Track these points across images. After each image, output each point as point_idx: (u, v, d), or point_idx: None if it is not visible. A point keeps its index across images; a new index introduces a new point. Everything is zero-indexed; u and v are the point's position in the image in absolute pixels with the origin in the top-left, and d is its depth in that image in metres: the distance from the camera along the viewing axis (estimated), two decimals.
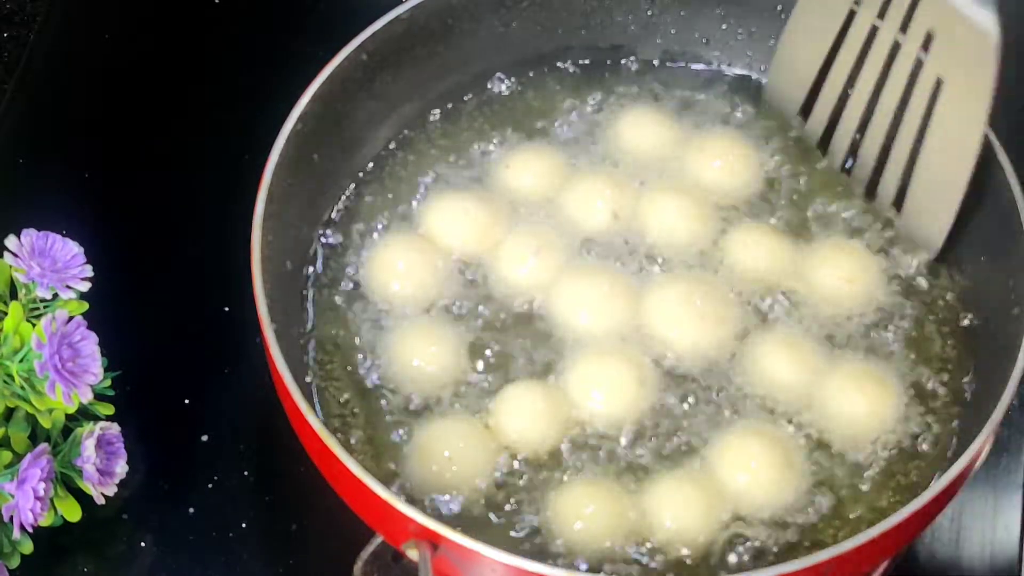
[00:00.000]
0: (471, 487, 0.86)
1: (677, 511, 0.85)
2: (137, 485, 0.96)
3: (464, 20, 1.00)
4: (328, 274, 0.95)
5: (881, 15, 0.93)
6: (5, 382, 0.89)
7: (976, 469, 0.83)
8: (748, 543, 0.84)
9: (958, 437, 0.88)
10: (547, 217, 0.96)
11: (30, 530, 0.89)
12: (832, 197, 0.98)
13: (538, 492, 0.86)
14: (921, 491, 0.80)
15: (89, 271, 0.94)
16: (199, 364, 1.03)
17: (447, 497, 0.85)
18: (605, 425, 0.88)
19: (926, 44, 0.90)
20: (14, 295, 0.93)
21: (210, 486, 0.97)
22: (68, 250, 0.94)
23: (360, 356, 0.91)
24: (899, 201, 0.95)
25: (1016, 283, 0.87)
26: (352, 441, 0.88)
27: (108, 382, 0.95)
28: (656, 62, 1.05)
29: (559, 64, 1.04)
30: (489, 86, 1.03)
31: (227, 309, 1.04)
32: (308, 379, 0.90)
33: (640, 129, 1.00)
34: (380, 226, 0.96)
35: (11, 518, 0.88)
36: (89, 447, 0.90)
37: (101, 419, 0.93)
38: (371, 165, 0.99)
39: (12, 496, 0.87)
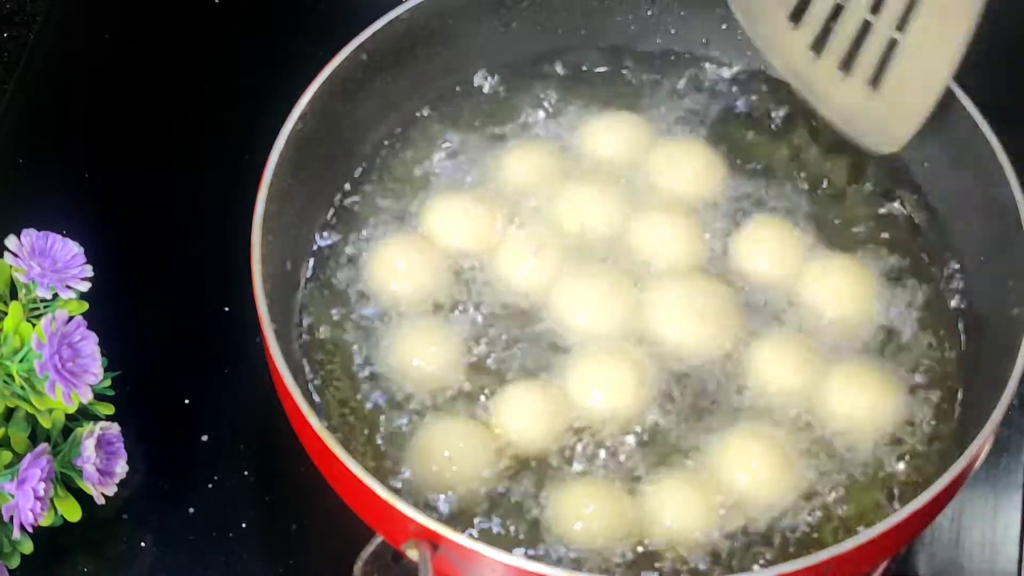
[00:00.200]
0: (471, 487, 0.86)
1: (677, 511, 0.85)
2: (137, 485, 0.96)
3: (464, 20, 1.00)
4: (328, 274, 0.95)
5: None
6: (5, 382, 0.89)
7: (976, 469, 0.83)
8: (747, 543, 0.84)
9: (958, 437, 0.88)
10: (547, 217, 0.96)
11: (30, 530, 0.89)
12: (833, 197, 0.98)
13: (538, 492, 0.86)
14: (921, 491, 0.80)
15: (89, 271, 0.94)
16: (199, 364, 1.03)
17: (447, 497, 0.85)
18: (605, 425, 0.88)
19: None
20: (14, 295, 0.93)
21: (210, 486, 0.97)
22: (68, 250, 0.94)
23: (360, 356, 0.91)
24: (876, 79, 0.93)
25: (1016, 283, 0.87)
26: (352, 441, 0.88)
27: (108, 382, 0.95)
28: (656, 62, 1.05)
29: (559, 64, 1.04)
30: (489, 86, 1.03)
31: (227, 309, 1.04)
32: (308, 379, 0.90)
33: (640, 129, 1.00)
34: (380, 226, 0.96)
35: (11, 518, 0.88)
36: (89, 447, 0.90)
37: (101, 419, 0.93)
38: (371, 165, 0.99)
39: (12, 496, 0.87)
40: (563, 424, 0.88)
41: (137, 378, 0.99)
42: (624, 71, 1.04)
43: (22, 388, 0.89)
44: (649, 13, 1.04)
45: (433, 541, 0.77)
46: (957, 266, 0.94)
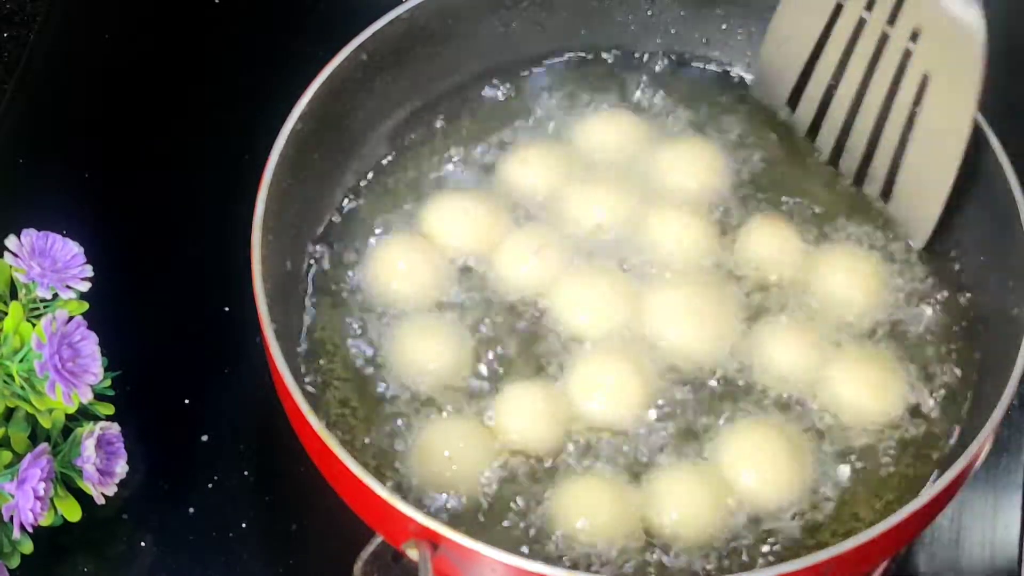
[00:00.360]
0: (471, 487, 0.86)
1: (677, 511, 0.84)
2: (137, 485, 0.96)
3: (464, 20, 1.00)
4: (328, 274, 0.95)
5: (869, 7, 0.93)
6: (5, 382, 0.89)
7: (976, 469, 0.83)
8: (748, 543, 0.84)
9: (958, 437, 0.88)
10: (548, 217, 0.96)
11: (30, 530, 0.89)
12: (834, 197, 0.98)
13: (538, 492, 0.86)
14: (921, 491, 0.80)
15: (89, 271, 0.94)
16: (199, 364, 1.03)
17: (447, 497, 0.85)
18: (606, 424, 0.88)
19: (914, 37, 0.91)
20: (14, 295, 0.93)
21: (210, 486, 0.97)
22: (68, 250, 0.94)
23: (360, 356, 0.91)
24: (887, 192, 0.96)
25: (1016, 283, 0.87)
26: (352, 441, 0.88)
27: (108, 382, 0.95)
28: (656, 62, 1.05)
29: (559, 64, 1.04)
30: (489, 86, 1.03)
31: (227, 309, 1.04)
32: (308, 379, 0.90)
33: (640, 129, 1.00)
34: (380, 226, 0.96)
35: (11, 518, 0.88)
36: (89, 447, 0.90)
37: (101, 419, 0.93)
38: (371, 165, 0.99)
39: (12, 496, 0.87)
40: (563, 424, 0.88)
41: (137, 378, 0.99)
42: (624, 71, 1.04)
43: (22, 388, 0.89)
44: (649, 13, 1.04)
45: (433, 541, 0.77)
46: (957, 266, 0.94)
